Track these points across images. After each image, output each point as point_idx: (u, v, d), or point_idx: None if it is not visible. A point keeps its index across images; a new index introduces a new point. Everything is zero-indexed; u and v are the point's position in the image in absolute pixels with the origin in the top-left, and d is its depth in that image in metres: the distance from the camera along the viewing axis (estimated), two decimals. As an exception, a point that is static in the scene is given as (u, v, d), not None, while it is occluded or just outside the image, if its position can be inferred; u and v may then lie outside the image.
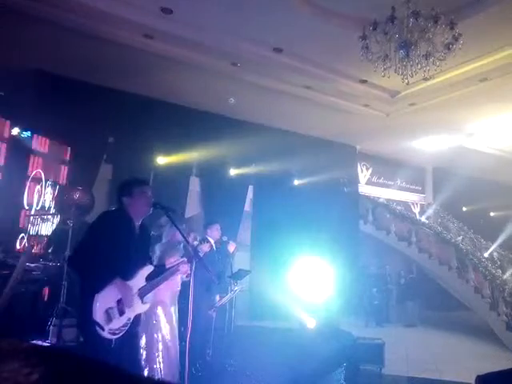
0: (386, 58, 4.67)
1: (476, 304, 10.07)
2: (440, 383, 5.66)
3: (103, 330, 2.53)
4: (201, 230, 5.82)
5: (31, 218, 6.96)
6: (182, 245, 4.07)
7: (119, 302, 2.66)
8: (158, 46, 6.28)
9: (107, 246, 2.64)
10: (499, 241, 12.60)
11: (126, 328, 2.71)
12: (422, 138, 10.39)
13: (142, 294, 2.84)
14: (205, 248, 4.68)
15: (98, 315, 2.53)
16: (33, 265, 5.59)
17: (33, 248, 6.67)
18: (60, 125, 6.77)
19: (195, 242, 4.57)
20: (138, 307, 2.83)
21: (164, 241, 4.06)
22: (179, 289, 4.05)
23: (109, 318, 2.58)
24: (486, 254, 11.74)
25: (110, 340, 2.59)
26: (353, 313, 9.40)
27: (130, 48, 6.27)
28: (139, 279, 2.83)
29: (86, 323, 2.58)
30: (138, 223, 2.92)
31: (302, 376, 4.50)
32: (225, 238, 5.49)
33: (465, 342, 8.47)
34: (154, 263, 3.31)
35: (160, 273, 3.03)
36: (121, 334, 2.66)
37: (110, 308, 2.59)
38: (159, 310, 3.81)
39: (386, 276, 11.11)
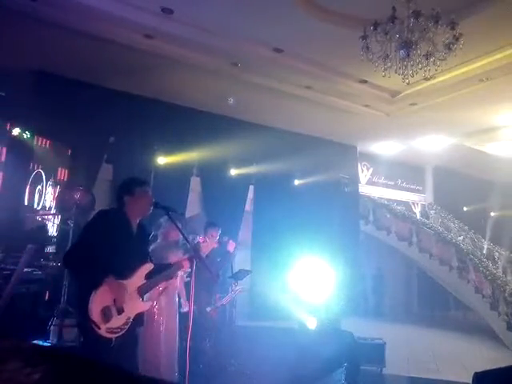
0: (386, 58, 4.67)
1: (477, 304, 10.07)
2: (441, 383, 5.66)
3: (99, 328, 2.52)
4: (201, 230, 5.80)
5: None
6: (178, 245, 4.07)
7: (116, 300, 2.65)
8: (158, 46, 6.28)
9: (102, 245, 2.63)
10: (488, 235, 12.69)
11: (127, 327, 2.70)
12: (422, 137, 10.38)
13: (142, 292, 2.83)
14: (205, 249, 4.66)
15: (94, 314, 2.51)
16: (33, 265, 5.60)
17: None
18: (60, 125, 6.77)
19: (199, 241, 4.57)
20: (139, 306, 2.81)
21: (159, 241, 4.06)
22: (178, 286, 4.05)
23: (106, 317, 2.56)
24: (483, 251, 11.77)
25: (110, 339, 2.58)
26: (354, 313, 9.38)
27: (130, 48, 6.26)
28: (138, 277, 2.81)
29: (84, 322, 2.57)
30: (136, 222, 2.91)
31: (302, 376, 4.49)
32: (225, 238, 5.48)
33: (465, 342, 8.47)
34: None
35: (161, 271, 3.03)
36: (121, 333, 2.65)
37: (106, 307, 2.57)
38: (160, 309, 3.80)
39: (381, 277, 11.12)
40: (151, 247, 3.90)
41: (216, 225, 5.20)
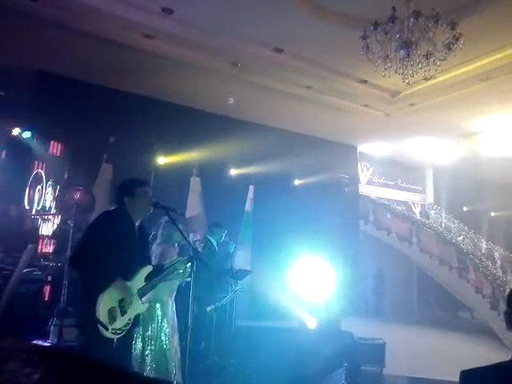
0: (386, 58, 4.67)
1: (477, 304, 10.07)
2: (441, 383, 5.65)
3: (107, 329, 2.53)
4: (201, 230, 5.81)
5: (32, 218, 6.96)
6: (176, 244, 4.07)
7: (121, 301, 2.66)
8: (158, 46, 6.28)
9: (110, 247, 2.63)
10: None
11: (127, 328, 2.71)
12: (422, 137, 10.39)
13: (142, 294, 2.84)
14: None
15: (102, 315, 2.52)
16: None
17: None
18: (60, 125, 6.78)
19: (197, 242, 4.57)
20: (138, 307, 2.83)
21: (159, 241, 4.05)
22: (176, 287, 4.04)
23: (112, 318, 2.58)
24: (483, 251, 11.79)
25: (112, 340, 2.59)
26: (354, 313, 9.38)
27: (131, 48, 6.27)
28: (139, 279, 2.83)
29: (88, 323, 2.57)
30: (137, 223, 2.91)
31: (302, 376, 4.49)
32: (226, 239, 5.49)
33: (465, 342, 8.47)
34: (153, 263, 3.31)
35: (158, 273, 3.03)
36: (122, 334, 2.66)
37: (112, 308, 2.59)
38: (158, 309, 3.80)
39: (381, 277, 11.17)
40: (152, 248, 3.90)
41: (220, 225, 5.21)
